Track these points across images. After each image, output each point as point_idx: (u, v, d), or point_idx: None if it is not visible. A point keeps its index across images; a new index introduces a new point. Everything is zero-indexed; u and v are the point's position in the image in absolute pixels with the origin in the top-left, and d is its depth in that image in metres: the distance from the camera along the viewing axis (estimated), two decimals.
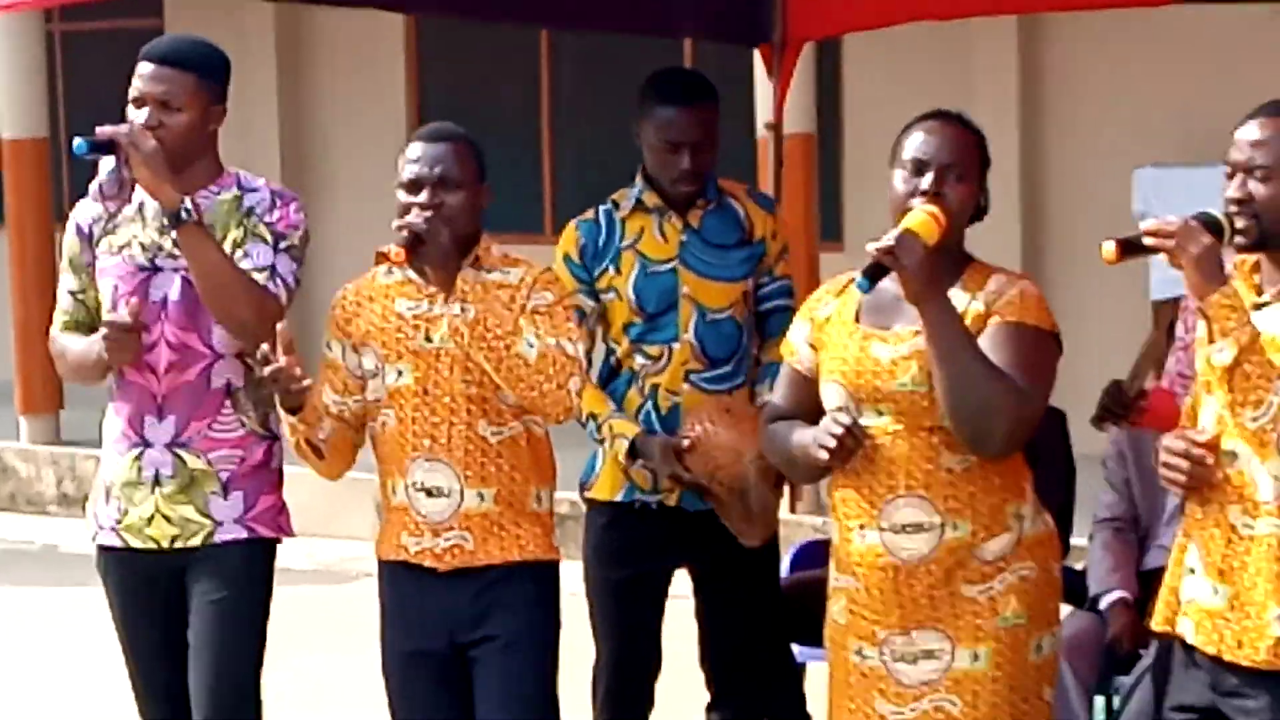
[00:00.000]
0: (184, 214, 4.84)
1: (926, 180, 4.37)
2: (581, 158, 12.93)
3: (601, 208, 5.61)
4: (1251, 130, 4.17)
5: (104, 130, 4.84)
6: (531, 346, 4.64)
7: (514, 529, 4.82)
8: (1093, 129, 11.00)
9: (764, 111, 7.13)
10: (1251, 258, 4.25)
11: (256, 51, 13.49)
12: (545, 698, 4.87)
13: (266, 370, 4.62)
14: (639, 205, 5.56)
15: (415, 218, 4.66)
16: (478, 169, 4.80)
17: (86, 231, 5.07)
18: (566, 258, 5.58)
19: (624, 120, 13.33)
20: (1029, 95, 11.34)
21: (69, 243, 5.11)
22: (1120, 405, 4.86)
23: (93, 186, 5.02)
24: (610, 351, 5.60)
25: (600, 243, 5.56)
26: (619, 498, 5.58)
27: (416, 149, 4.78)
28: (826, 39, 9.00)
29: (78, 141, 4.84)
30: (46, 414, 12.09)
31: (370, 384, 4.84)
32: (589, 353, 5.55)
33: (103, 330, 4.87)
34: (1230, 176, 4.19)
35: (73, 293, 5.11)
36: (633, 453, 5.43)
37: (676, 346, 5.52)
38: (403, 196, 4.74)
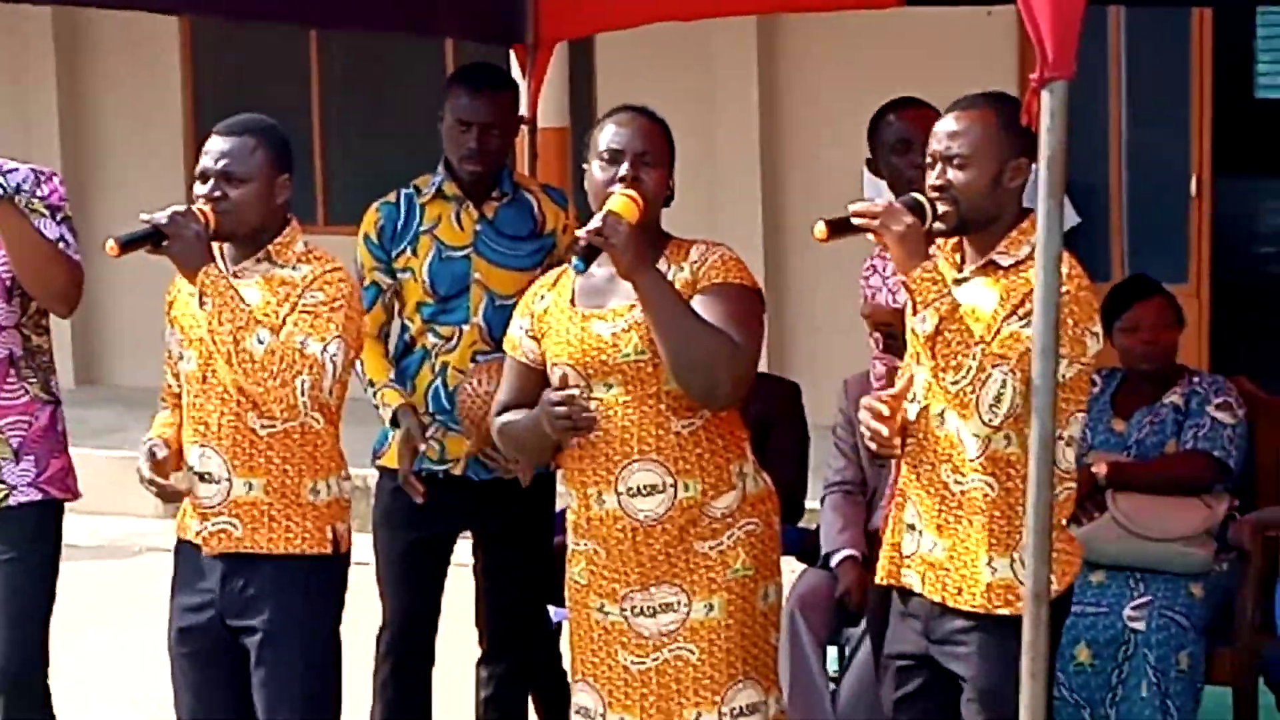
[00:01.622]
0: (2, 190, 4.85)
1: (623, 168, 4.48)
2: (350, 150, 12.80)
3: (403, 191, 5.60)
4: (949, 123, 4.32)
5: None
6: (261, 343, 4.55)
7: (284, 520, 4.73)
8: (826, 122, 11.02)
9: (522, 107, 7.15)
10: (953, 239, 4.41)
11: (36, 50, 13.24)
12: (309, 692, 4.77)
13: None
14: (439, 193, 5.56)
15: (160, 214, 4.57)
16: (271, 162, 4.70)
17: None
18: (366, 237, 5.57)
19: (389, 115, 13.27)
20: (767, 90, 11.33)
21: None
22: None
23: None
24: (405, 329, 5.60)
25: (399, 225, 5.55)
26: None
27: (211, 142, 4.72)
28: (579, 39, 9.02)
29: None
30: None
31: (179, 366, 4.81)
32: (385, 327, 5.59)
33: None
34: (931, 166, 4.34)
35: None
36: (394, 422, 5.45)
37: (466, 328, 5.53)
38: (196, 188, 4.70)
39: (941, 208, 4.28)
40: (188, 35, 13.16)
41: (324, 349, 4.60)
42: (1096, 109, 10.77)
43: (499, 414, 4.71)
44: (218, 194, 4.65)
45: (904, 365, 4.53)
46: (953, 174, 4.28)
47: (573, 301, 4.59)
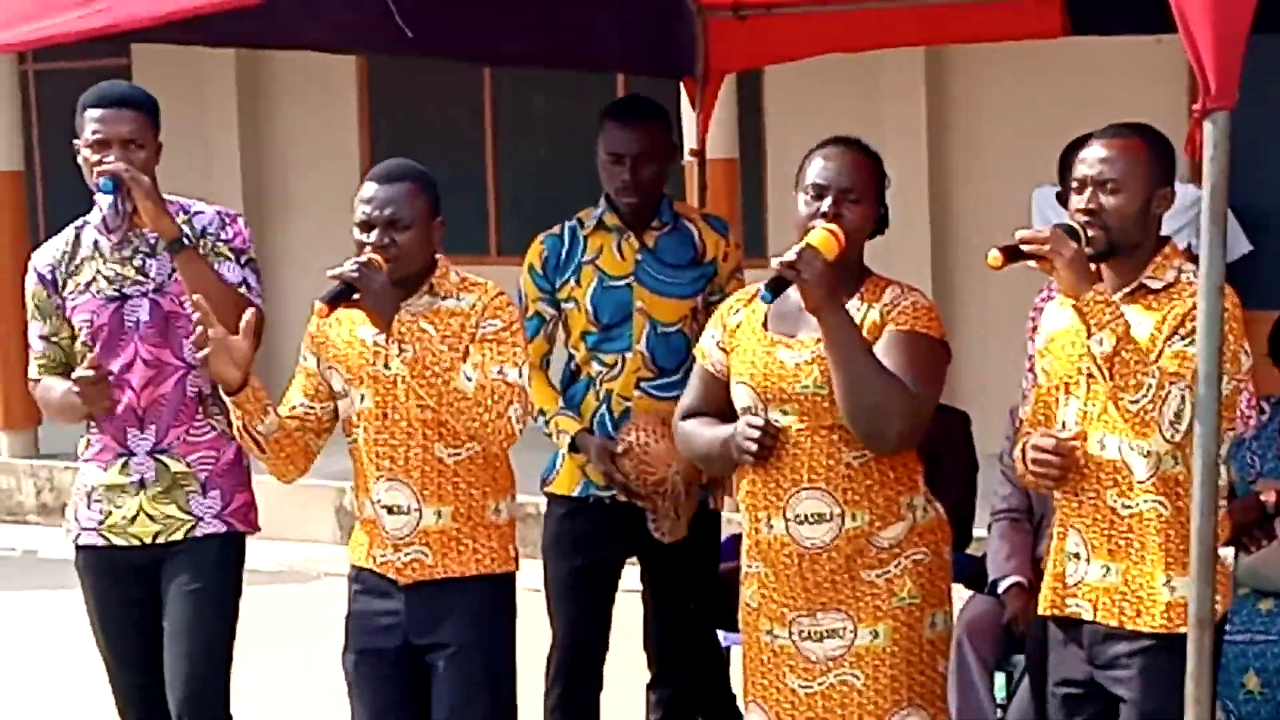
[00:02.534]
0: (185, 240, 5.00)
1: (826, 203, 4.50)
2: (523, 182, 12.96)
3: (567, 224, 5.70)
4: (1099, 150, 4.35)
5: (107, 168, 4.96)
6: (470, 380, 4.59)
7: (471, 542, 4.79)
8: (994, 150, 11.08)
9: (690, 139, 7.22)
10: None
11: (218, 89, 13.48)
12: (496, 703, 4.84)
13: (210, 335, 4.58)
14: (600, 224, 5.66)
15: (348, 266, 4.58)
16: (429, 206, 4.74)
17: (50, 278, 5.19)
18: (531, 268, 5.67)
19: (562, 146, 13.41)
20: (935, 120, 11.39)
21: (33, 291, 5.22)
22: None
23: (94, 221, 5.10)
24: (570, 357, 5.71)
25: (562, 256, 5.65)
26: (576, 492, 5.68)
27: (369, 189, 4.72)
28: (747, 71, 9.09)
29: (104, 182, 4.95)
30: (25, 429, 12.10)
31: (340, 404, 4.82)
32: (548, 356, 5.68)
33: (73, 386, 5.00)
34: (1079, 191, 4.36)
35: (44, 337, 5.23)
36: (573, 447, 5.55)
37: (629, 356, 5.63)
38: (357, 235, 4.71)
39: (1091, 232, 4.30)
40: (365, 72, 13.39)
41: (520, 373, 4.66)
42: (1269, 134, 10.67)
43: (683, 418, 4.77)
44: (386, 241, 4.66)
45: (1037, 402, 4.53)
46: (1105, 199, 4.31)
47: (765, 324, 4.63)
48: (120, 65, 13.28)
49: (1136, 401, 4.15)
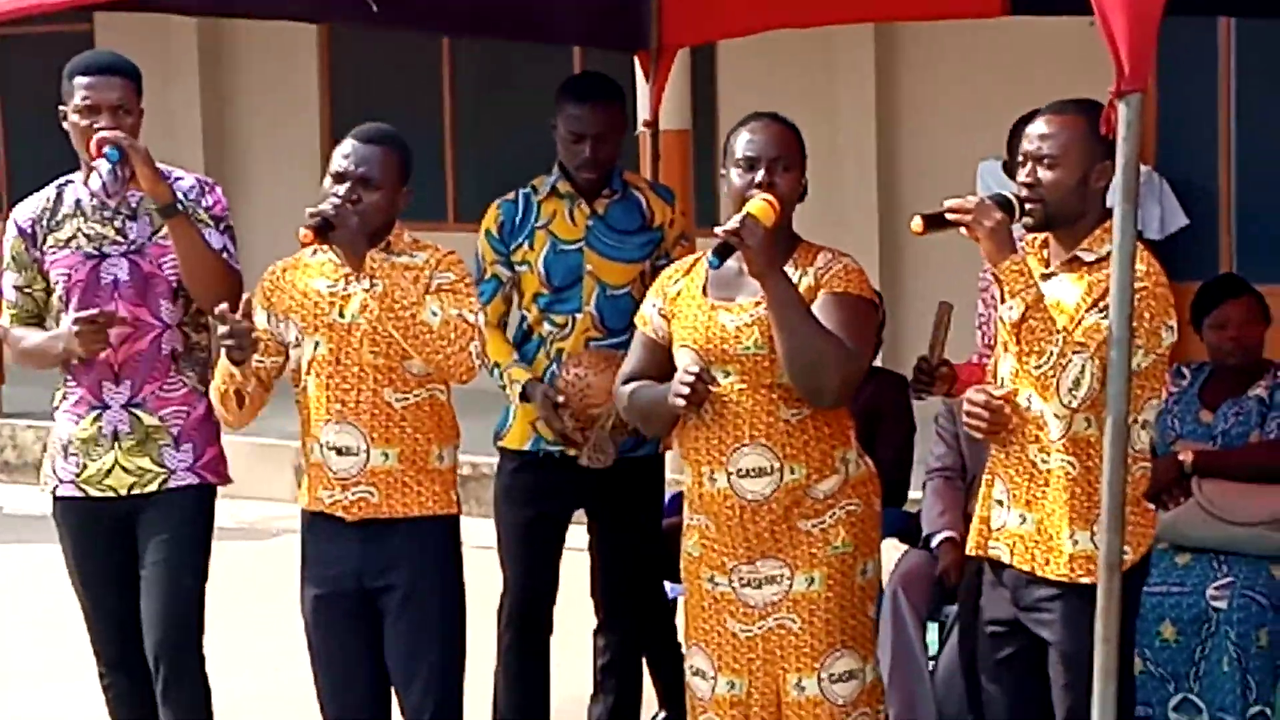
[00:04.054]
0: (179, 206, 5.21)
1: (760, 174, 4.75)
2: (480, 151, 13.12)
3: (521, 190, 5.92)
4: (1040, 125, 4.58)
5: (109, 134, 5.13)
6: (435, 315, 4.81)
7: (416, 485, 5.01)
8: (941, 125, 11.27)
9: (644, 111, 7.38)
10: (1040, 236, 4.69)
11: (180, 56, 13.56)
12: (446, 643, 5.06)
13: (225, 328, 4.79)
14: (553, 191, 5.89)
15: (326, 205, 4.83)
16: (400, 173, 4.97)
17: (30, 232, 5.38)
18: (488, 232, 5.90)
19: (517, 118, 13.54)
20: (885, 94, 11.57)
21: (10, 243, 5.40)
22: (926, 375, 4.95)
23: (94, 186, 5.25)
24: (523, 318, 5.93)
25: (517, 221, 5.87)
26: (527, 446, 5.90)
27: (348, 145, 4.95)
28: (700, 45, 9.22)
29: (110, 150, 5.12)
30: None
31: (292, 353, 5.04)
32: (504, 317, 5.91)
33: (73, 326, 5.18)
34: (1021, 165, 4.61)
35: (18, 287, 5.42)
36: (523, 396, 5.78)
37: (580, 316, 5.85)
38: (328, 184, 4.93)
39: (1029, 205, 4.55)
40: (325, 41, 13.49)
41: (477, 317, 4.90)
42: (1205, 113, 10.91)
43: (624, 383, 5.01)
44: (354, 197, 4.89)
45: (992, 357, 4.81)
46: (1042, 173, 4.54)
47: (705, 290, 4.88)
48: (82, 30, 13.42)
49: (1039, 367, 4.39)
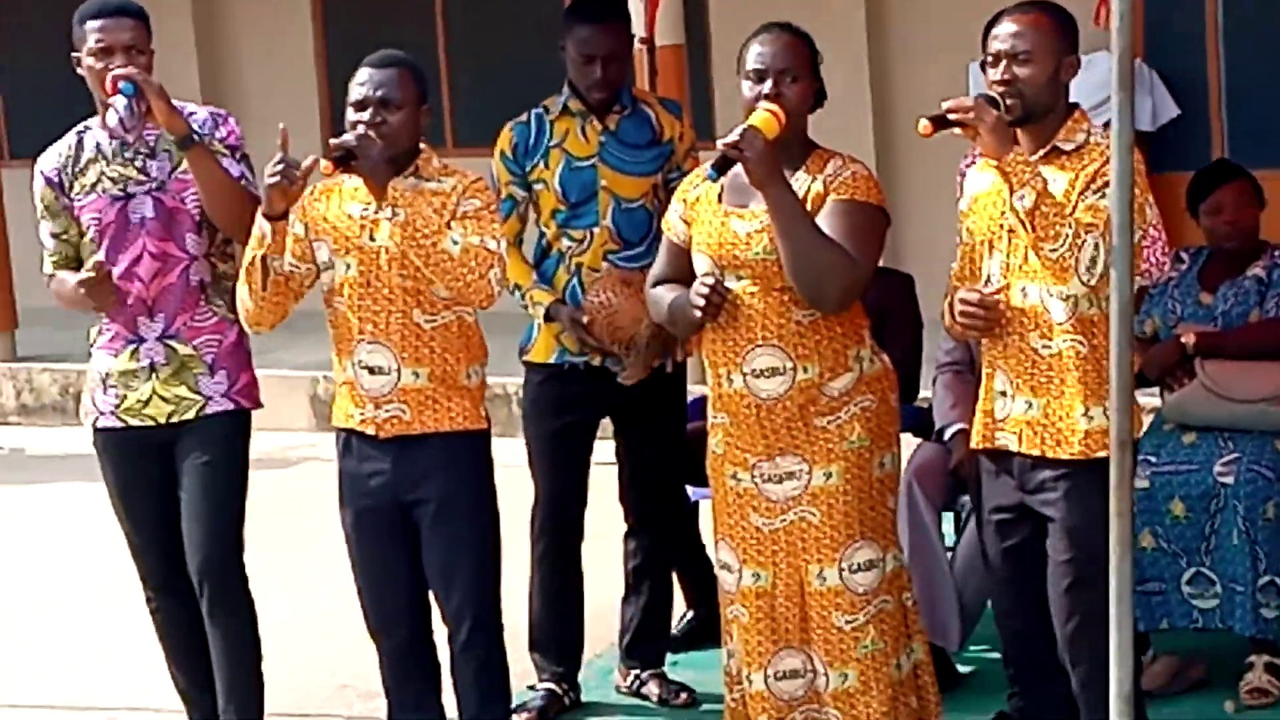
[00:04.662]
0: (195, 137, 5.35)
1: (767, 85, 4.90)
2: (474, 76, 13.17)
3: (533, 111, 6.05)
4: (1009, 25, 4.78)
5: (123, 72, 5.26)
6: (456, 243, 4.96)
7: (446, 402, 5.16)
8: (931, 27, 11.33)
9: (638, 28, 7.49)
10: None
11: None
12: (480, 549, 5.23)
13: (279, 157, 4.96)
14: (565, 110, 6.02)
15: (349, 136, 5.00)
16: (418, 91, 5.14)
17: (57, 180, 5.54)
18: (502, 154, 6.03)
19: (510, 40, 13.58)
20: (874, 3, 11.68)
21: (41, 192, 5.56)
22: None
23: (111, 123, 5.38)
24: (541, 235, 6.07)
25: (531, 141, 6.01)
26: (552, 359, 6.06)
27: (364, 73, 5.11)
28: None
29: (125, 85, 5.25)
30: (2, 332, 12.20)
31: (324, 274, 5.18)
32: (520, 235, 6.06)
33: (79, 288, 5.34)
34: (994, 64, 4.79)
35: (55, 235, 5.58)
36: (547, 317, 5.94)
37: (597, 230, 5.99)
38: (350, 115, 5.08)
39: (1008, 101, 4.74)
40: None
41: (499, 244, 5.04)
42: (1193, 4, 11.02)
43: (654, 285, 5.18)
44: (379, 120, 5.05)
45: (963, 258, 4.94)
46: (1017, 69, 4.75)
47: (720, 197, 5.03)
48: None
49: (1056, 249, 4.59)
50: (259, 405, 5.66)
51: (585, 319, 5.86)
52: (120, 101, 5.30)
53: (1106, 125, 4.50)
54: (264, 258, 5.09)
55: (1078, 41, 4.60)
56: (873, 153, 11.38)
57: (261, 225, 5.08)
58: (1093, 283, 4.60)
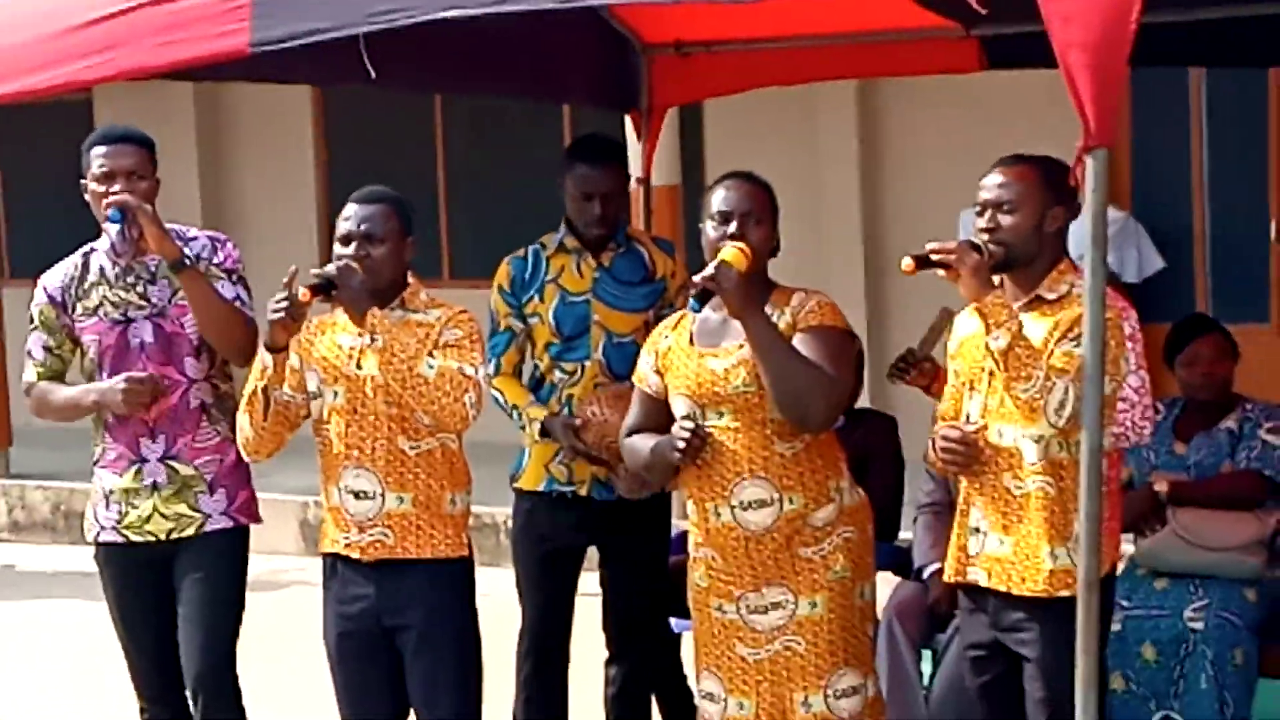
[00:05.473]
0: (186, 261, 5.56)
1: (732, 226, 5.12)
2: (471, 210, 13.38)
3: (530, 247, 6.27)
4: (996, 176, 5.00)
5: (115, 199, 5.49)
6: (431, 368, 5.15)
7: (429, 529, 5.33)
8: (924, 174, 11.52)
9: (635, 168, 7.62)
10: (996, 279, 5.07)
11: (177, 124, 13.72)
12: (462, 675, 5.37)
13: (282, 293, 5.11)
14: (561, 247, 6.24)
15: (330, 267, 5.21)
16: (402, 226, 5.34)
17: (59, 300, 5.75)
18: (500, 288, 6.25)
19: (509, 175, 13.74)
20: (868, 144, 11.82)
21: (41, 308, 5.77)
22: (904, 362, 5.57)
23: (102, 247, 5.66)
24: (535, 367, 6.27)
25: (527, 276, 6.23)
26: (541, 487, 6.24)
27: (349, 210, 5.34)
28: (689, 104, 9.49)
29: (113, 212, 5.49)
30: None
31: (313, 404, 5.37)
32: (519, 366, 6.26)
33: (120, 384, 5.53)
34: (981, 213, 5.01)
35: (48, 349, 5.78)
36: (543, 432, 6.12)
37: (588, 364, 6.19)
38: (336, 249, 5.30)
39: (992, 247, 4.96)
40: (320, 104, 13.70)
41: (476, 371, 5.23)
42: (1179, 160, 11.22)
43: (627, 435, 5.37)
44: (362, 253, 5.27)
45: (948, 398, 5.15)
46: (1001, 218, 4.95)
47: (691, 341, 5.25)
48: (81, 99, 13.67)
49: (1026, 390, 4.80)
50: (258, 520, 5.85)
51: (578, 422, 6.02)
52: (113, 228, 5.53)
53: None
54: (265, 388, 5.27)
55: (1070, 193, 4.77)
56: (863, 294, 11.56)
57: (264, 357, 5.25)
58: (1060, 424, 4.79)
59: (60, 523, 11.91)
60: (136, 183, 5.60)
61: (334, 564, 5.46)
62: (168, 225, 5.67)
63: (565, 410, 6.17)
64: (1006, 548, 4.96)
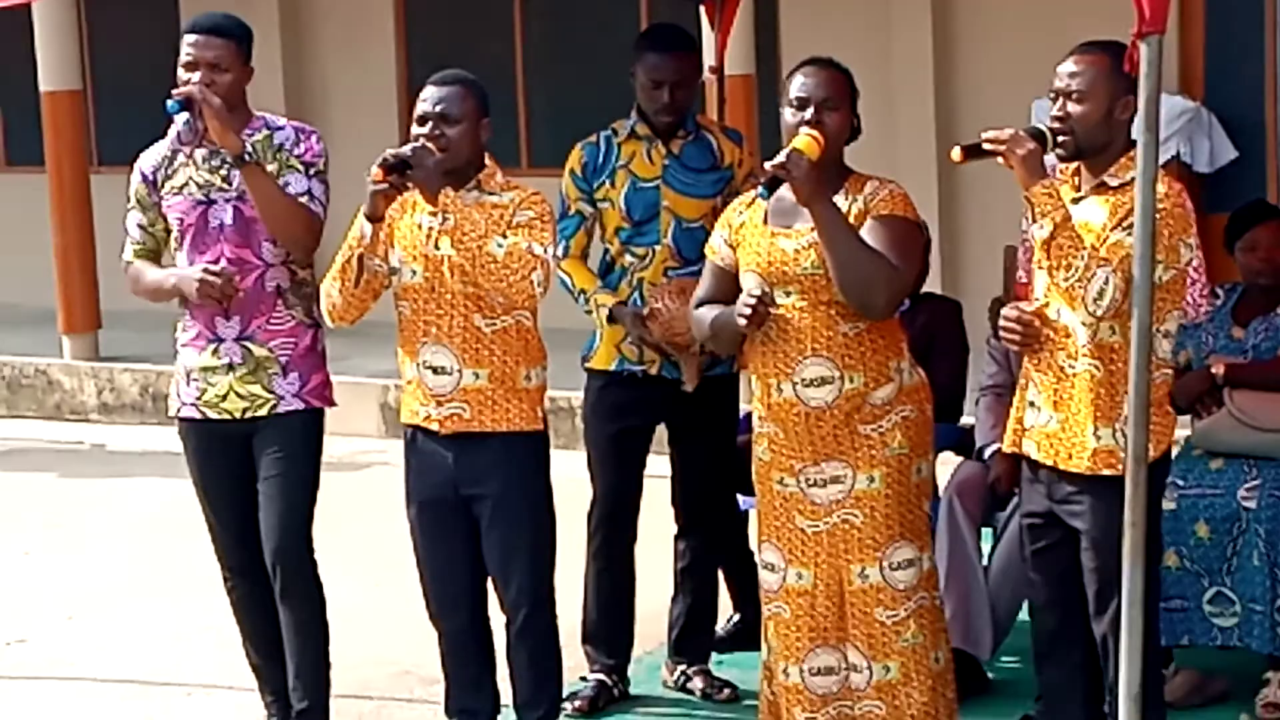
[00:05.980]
0: (247, 156, 5.71)
1: (809, 113, 5.25)
2: (550, 98, 13.45)
3: (602, 133, 6.42)
4: (1069, 65, 5.10)
5: (180, 90, 5.66)
6: (500, 246, 5.31)
7: (504, 403, 5.52)
8: (996, 63, 11.55)
9: (709, 57, 7.71)
10: (1072, 165, 5.18)
11: (261, 10, 13.88)
12: (537, 543, 5.60)
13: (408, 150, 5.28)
14: (632, 133, 6.38)
15: (405, 148, 5.35)
16: (478, 107, 5.50)
17: (151, 177, 5.93)
18: (571, 172, 6.41)
19: (586, 64, 13.85)
20: (941, 33, 11.86)
21: (136, 186, 5.95)
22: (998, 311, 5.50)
23: (171, 135, 5.83)
24: (605, 251, 6.43)
25: (599, 161, 6.38)
26: (612, 367, 6.42)
27: (427, 90, 5.50)
28: None
29: (170, 102, 5.66)
30: (86, 333, 12.50)
31: (393, 279, 5.55)
32: (586, 249, 6.43)
33: (197, 275, 5.70)
34: (1053, 101, 5.12)
35: (142, 226, 5.97)
36: (610, 319, 6.30)
37: (658, 248, 6.35)
38: (414, 129, 5.47)
39: (1061, 137, 5.06)
40: None
41: (545, 250, 5.39)
42: (1252, 49, 11.21)
43: (697, 307, 5.51)
44: (438, 133, 5.44)
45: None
46: (1071, 107, 5.06)
47: (765, 219, 5.38)
48: None
49: (1067, 279, 4.92)
50: (332, 404, 6.01)
51: (645, 312, 6.18)
52: (180, 117, 5.68)
53: (1168, 162, 4.80)
54: (361, 257, 5.44)
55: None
56: (935, 186, 11.63)
57: (362, 226, 5.42)
58: (1098, 314, 4.89)
59: (148, 404, 12.14)
60: (218, 74, 5.72)
61: (414, 435, 5.65)
62: (258, 112, 5.82)
63: (635, 296, 6.33)
64: (1055, 424, 5.11)
